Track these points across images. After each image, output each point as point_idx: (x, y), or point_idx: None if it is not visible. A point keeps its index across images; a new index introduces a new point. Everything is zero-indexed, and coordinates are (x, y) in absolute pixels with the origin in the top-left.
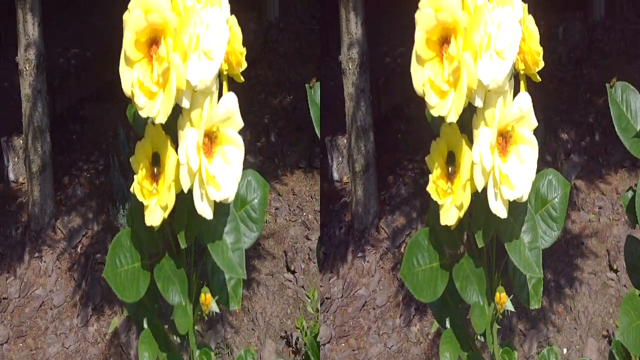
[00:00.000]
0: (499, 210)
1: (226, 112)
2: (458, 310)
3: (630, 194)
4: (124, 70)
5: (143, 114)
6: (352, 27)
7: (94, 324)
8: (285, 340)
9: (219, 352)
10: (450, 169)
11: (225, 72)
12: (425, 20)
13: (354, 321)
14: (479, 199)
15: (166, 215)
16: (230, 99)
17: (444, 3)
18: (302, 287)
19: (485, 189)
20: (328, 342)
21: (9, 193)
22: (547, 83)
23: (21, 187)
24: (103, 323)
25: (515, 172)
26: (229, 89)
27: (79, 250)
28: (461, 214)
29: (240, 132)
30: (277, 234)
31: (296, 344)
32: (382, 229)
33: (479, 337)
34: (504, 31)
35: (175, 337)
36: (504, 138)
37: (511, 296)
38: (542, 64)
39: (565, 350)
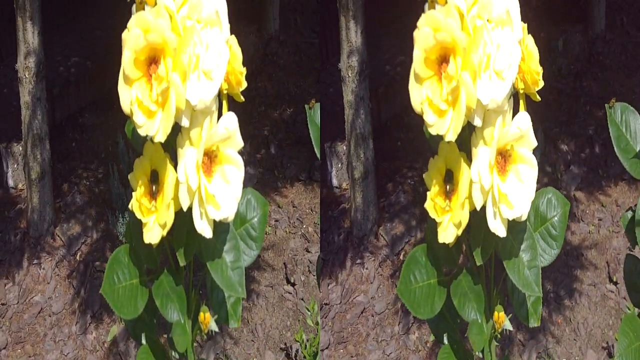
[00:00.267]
0: (498, 229)
1: (226, 132)
2: (456, 325)
3: (629, 214)
4: (122, 88)
5: (142, 132)
6: (352, 35)
7: (92, 331)
8: (285, 352)
9: None
10: (448, 186)
11: (225, 92)
12: (423, 40)
13: (353, 328)
14: (478, 216)
15: (165, 233)
16: (230, 119)
17: (442, 23)
18: (302, 299)
19: (483, 207)
20: (327, 348)
21: (8, 199)
22: (547, 94)
23: (20, 194)
24: (102, 331)
25: (515, 192)
26: (229, 107)
27: (78, 257)
28: (459, 232)
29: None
30: (276, 245)
31: (296, 356)
32: (381, 236)
33: (477, 353)
34: (503, 52)
35: (174, 353)
36: (503, 157)
37: (510, 315)
38: (541, 84)
39: None
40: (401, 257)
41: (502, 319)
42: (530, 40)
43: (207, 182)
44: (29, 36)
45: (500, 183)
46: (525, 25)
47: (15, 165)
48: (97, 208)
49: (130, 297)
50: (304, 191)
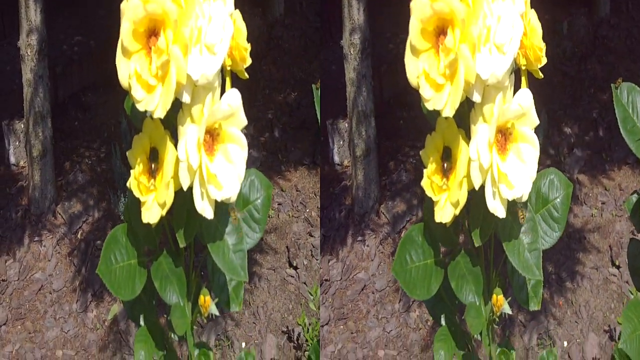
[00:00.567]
0: (497, 209)
1: (229, 109)
2: (454, 307)
3: (634, 197)
4: (121, 61)
5: (141, 107)
6: (354, 12)
7: (93, 309)
8: (287, 335)
9: (219, 344)
10: (446, 164)
11: (228, 68)
12: (420, 9)
13: (353, 304)
14: (477, 196)
15: (164, 213)
16: (234, 96)
17: None
18: (304, 283)
19: (482, 187)
20: (327, 324)
21: (10, 176)
22: (551, 77)
23: (22, 171)
24: (102, 309)
25: (515, 171)
26: (233, 86)
27: (79, 236)
28: (457, 212)
29: (243, 129)
30: (279, 229)
31: (297, 339)
32: (383, 214)
33: (476, 335)
34: (504, 25)
35: (173, 335)
36: (503, 135)
37: (509, 298)
38: (544, 60)
39: (565, 344)
40: (402, 235)
41: (501, 302)
42: (533, 14)
43: (208, 161)
44: (31, 14)
45: (500, 162)
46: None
47: (17, 143)
48: (99, 187)
49: (127, 278)
50: (307, 175)
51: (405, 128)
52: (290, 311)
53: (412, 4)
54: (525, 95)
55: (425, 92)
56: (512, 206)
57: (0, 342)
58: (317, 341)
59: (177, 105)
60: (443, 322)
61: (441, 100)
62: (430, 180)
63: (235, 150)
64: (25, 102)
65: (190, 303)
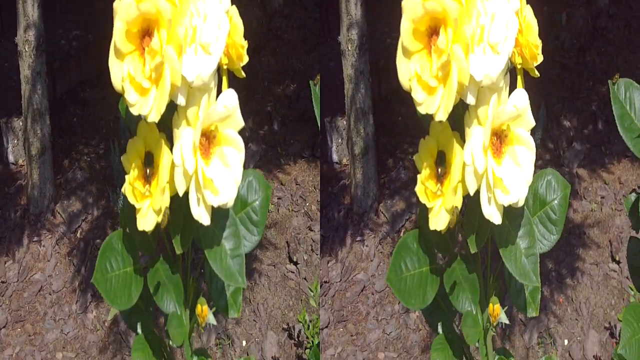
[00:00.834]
0: (493, 215)
1: (225, 111)
2: (451, 314)
3: (633, 196)
4: (113, 62)
5: (134, 111)
6: (352, 7)
7: (93, 310)
8: (287, 332)
9: (219, 342)
10: (440, 169)
11: (224, 67)
12: (412, 9)
13: (353, 306)
14: (472, 201)
15: (160, 219)
16: (230, 96)
17: None
18: (305, 279)
19: (478, 192)
20: (326, 327)
21: (8, 175)
22: (549, 69)
23: (20, 170)
24: (102, 310)
25: (511, 175)
26: (230, 82)
27: (78, 235)
28: (452, 218)
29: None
30: (279, 224)
31: (298, 336)
32: (382, 212)
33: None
34: (498, 23)
35: (171, 342)
36: (499, 138)
37: (505, 308)
38: (540, 58)
39: (566, 342)
40: (401, 234)
41: (498, 312)
42: (528, 11)
43: (204, 165)
44: (28, 9)
45: (495, 166)
46: None
47: (16, 141)
48: (98, 185)
49: (124, 287)
50: (307, 168)
51: (403, 124)
52: (291, 307)
53: (403, 4)
54: (521, 95)
55: (418, 95)
56: (508, 211)
57: (0, 345)
58: (317, 344)
59: (172, 107)
60: (440, 330)
61: (434, 103)
62: (424, 186)
63: (231, 153)
64: (23, 99)
65: (188, 310)
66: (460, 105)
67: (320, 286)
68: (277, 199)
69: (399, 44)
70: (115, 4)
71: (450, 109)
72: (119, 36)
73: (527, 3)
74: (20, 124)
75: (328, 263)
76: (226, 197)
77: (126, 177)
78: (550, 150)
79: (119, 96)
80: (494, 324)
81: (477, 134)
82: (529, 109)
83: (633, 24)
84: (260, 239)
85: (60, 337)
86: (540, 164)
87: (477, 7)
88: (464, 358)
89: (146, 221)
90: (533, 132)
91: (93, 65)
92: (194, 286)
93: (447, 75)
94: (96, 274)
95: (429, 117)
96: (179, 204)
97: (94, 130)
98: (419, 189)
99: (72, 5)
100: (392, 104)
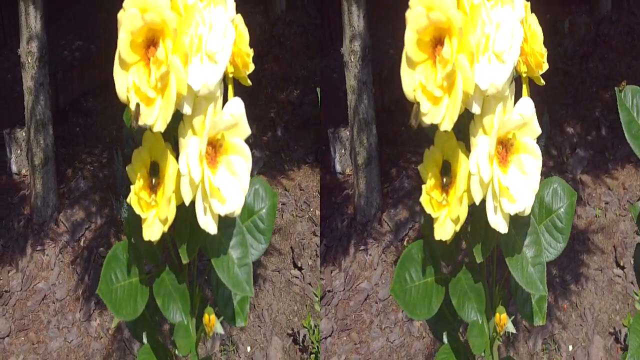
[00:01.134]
0: (499, 224)
1: (232, 119)
2: (456, 324)
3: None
4: (118, 73)
5: (140, 121)
6: (354, 19)
7: (96, 318)
8: (292, 338)
9: (224, 349)
10: (445, 179)
11: (230, 75)
12: (416, 20)
13: (356, 315)
14: (477, 210)
15: (166, 229)
16: (236, 105)
17: (436, 1)
18: (309, 284)
19: (483, 201)
20: (330, 336)
21: (12, 185)
22: (552, 76)
23: (24, 180)
24: (106, 318)
25: (517, 184)
26: (235, 90)
27: (81, 243)
28: (457, 228)
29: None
30: (283, 229)
31: (303, 341)
32: (385, 222)
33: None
34: (503, 32)
35: (177, 352)
36: (504, 147)
37: (512, 317)
38: (546, 66)
39: (570, 348)
40: (405, 243)
41: (504, 322)
42: (533, 19)
43: (211, 174)
44: (31, 20)
45: (501, 175)
46: (528, 3)
47: (19, 151)
48: (101, 193)
49: (129, 297)
50: (310, 174)
51: (406, 134)
52: (296, 313)
53: (407, 14)
54: (527, 104)
55: (423, 105)
56: (514, 219)
57: (4, 354)
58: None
59: (177, 117)
60: (445, 340)
61: (439, 113)
62: (429, 197)
63: (238, 161)
64: (26, 110)
65: (194, 319)
66: (465, 114)
67: (324, 296)
68: (281, 204)
69: (403, 55)
70: (119, 15)
71: (455, 118)
72: (124, 47)
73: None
74: (24, 134)
75: (331, 272)
76: (233, 205)
77: (131, 187)
78: (554, 157)
79: (122, 106)
80: (501, 333)
81: (482, 143)
82: (535, 117)
83: (636, 30)
84: (267, 247)
85: (64, 345)
86: (544, 171)
87: (482, 16)
88: None
89: (152, 231)
90: (537, 139)
91: (96, 75)
92: (200, 295)
93: (452, 85)
94: (101, 285)
95: (434, 127)
96: (185, 213)
97: (97, 139)
98: (424, 199)
99: (74, 16)
100: (394, 114)
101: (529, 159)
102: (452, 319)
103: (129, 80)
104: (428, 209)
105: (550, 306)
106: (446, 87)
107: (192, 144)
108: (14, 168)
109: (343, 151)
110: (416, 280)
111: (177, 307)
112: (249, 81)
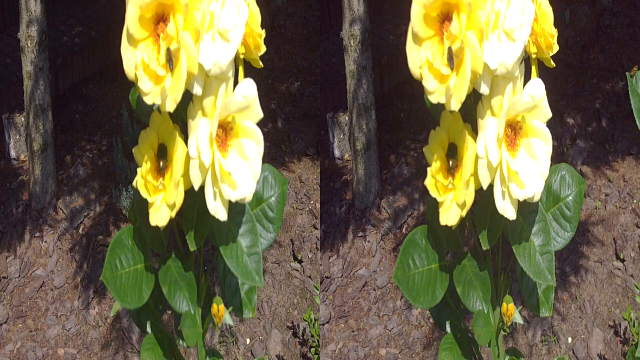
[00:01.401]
0: (507, 210)
1: (244, 101)
2: (460, 312)
3: None
4: (126, 50)
5: (148, 100)
6: (354, 3)
7: (95, 306)
8: (292, 330)
9: (223, 340)
10: (451, 162)
11: (241, 56)
12: None
13: (354, 302)
14: (484, 195)
15: (174, 214)
16: (249, 86)
17: None
18: (309, 276)
19: (491, 186)
20: (327, 323)
21: (10, 170)
22: (553, 67)
23: (22, 165)
24: (104, 306)
25: (526, 169)
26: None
27: (80, 231)
28: (463, 213)
29: (259, 123)
30: (283, 222)
31: (303, 334)
32: (384, 208)
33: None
34: (514, 9)
35: (182, 342)
36: (513, 130)
37: (520, 307)
38: (556, 48)
39: (570, 340)
40: (404, 231)
41: (512, 312)
42: None
43: (221, 158)
44: (31, 4)
45: (509, 159)
46: None
47: (18, 136)
48: (100, 181)
49: (134, 285)
50: (311, 166)
51: (406, 120)
52: (295, 306)
53: None
54: (537, 85)
55: (429, 83)
56: (522, 206)
57: (1, 341)
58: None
59: (187, 98)
60: (448, 329)
61: (446, 92)
62: (434, 180)
63: (250, 145)
64: (25, 94)
65: (200, 309)
66: (472, 95)
67: (322, 282)
68: None
69: (409, 30)
70: None
71: (463, 98)
72: (132, 22)
73: None
74: (23, 119)
75: (329, 258)
76: (245, 191)
77: (138, 169)
78: (554, 148)
79: (121, 93)
80: (508, 324)
81: (491, 125)
82: (546, 99)
83: (637, 21)
84: (276, 236)
85: (62, 333)
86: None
87: None
88: (473, 358)
89: (159, 216)
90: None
91: (96, 61)
92: (206, 284)
93: (460, 62)
94: (105, 271)
95: (440, 107)
96: (193, 198)
97: (97, 126)
98: (429, 182)
99: (75, 1)
100: (394, 100)
101: (539, 143)
102: (455, 308)
103: (138, 57)
104: (433, 193)
105: None
106: (454, 65)
107: (202, 126)
108: (13, 153)
109: (342, 136)
110: (420, 267)
111: (183, 296)
112: (260, 63)
